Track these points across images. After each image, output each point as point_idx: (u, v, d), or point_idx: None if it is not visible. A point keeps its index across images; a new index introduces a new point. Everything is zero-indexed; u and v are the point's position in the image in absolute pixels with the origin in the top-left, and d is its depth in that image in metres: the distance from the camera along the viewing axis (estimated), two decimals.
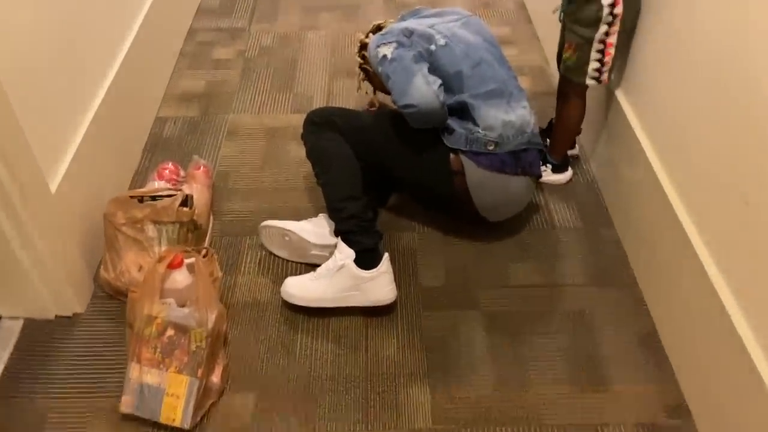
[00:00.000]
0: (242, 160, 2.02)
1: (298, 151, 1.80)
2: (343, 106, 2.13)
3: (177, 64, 2.41)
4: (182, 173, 1.86)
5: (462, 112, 1.64)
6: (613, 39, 1.62)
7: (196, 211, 1.67)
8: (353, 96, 2.26)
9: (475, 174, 1.62)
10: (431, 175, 1.67)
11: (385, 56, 1.62)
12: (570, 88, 1.78)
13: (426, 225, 1.82)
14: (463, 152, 1.62)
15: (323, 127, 1.69)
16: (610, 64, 1.67)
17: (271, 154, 2.05)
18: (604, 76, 1.69)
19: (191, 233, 1.65)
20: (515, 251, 1.75)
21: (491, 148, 1.60)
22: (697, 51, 1.39)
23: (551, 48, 2.03)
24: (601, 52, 1.64)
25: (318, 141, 1.69)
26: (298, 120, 1.86)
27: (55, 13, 1.55)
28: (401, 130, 1.64)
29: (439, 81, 1.58)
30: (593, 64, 1.66)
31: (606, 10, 1.57)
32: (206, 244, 1.73)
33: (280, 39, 2.57)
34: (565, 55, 1.70)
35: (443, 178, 1.65)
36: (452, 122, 1.64)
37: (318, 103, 2.26)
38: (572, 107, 1.81)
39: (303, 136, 1.74)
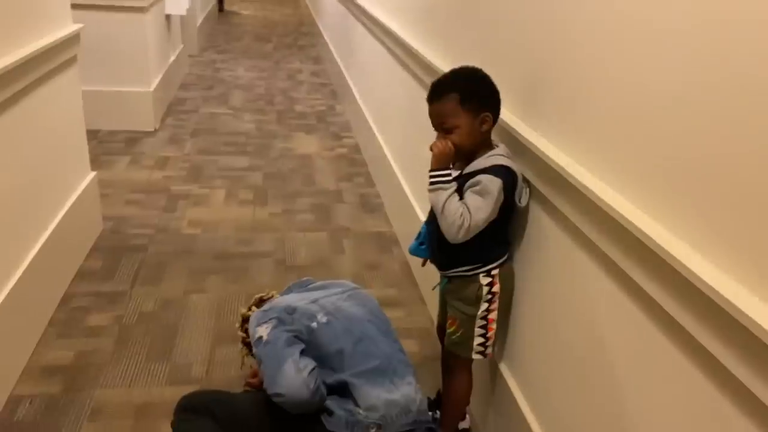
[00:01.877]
0: None
1: (169, 431, 1.63)
2: (223, 384, 2.02)
3: (44, 334, 2.24)
4: None
5: (343, 391, 1.57)
6: (494, 315, 1.66)
7: None
8: (236, 364, 2.15)
9: None
10: None
11: (261, 338, 1.57)
12: (456, 362, 1.76)
13: None
14: (351, 431, 1.51)
15: (196, 415, 1.56)
16: (493, 339, 1.69)
17: None
18: (489, 350, 1.70)
19: None
20: None
21: (373, 430, 1.51)
22: (567, 331, 1.44)
23: (437, 311, 2.06)
24: (484, 327, 1.67)
25: (190, 429, 1.54)
26: (173, 393, 1.72)
27: None
28: (279, 415, 1.53)
29: (311, 366, 1.53)
30: (477, 339, 1.68)
31: (485, 289, 1.63)
32: None
33: (163, 303, 2.49)
34: (450, 330, 1.71)
35: None
36: (332, 403, 1.55)
37: (197, 372, 2.12)
38: (459, 381, 1.78)
39: (173, 425, 1.59)
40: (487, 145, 1.61)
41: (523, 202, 1.59)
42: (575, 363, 1.40)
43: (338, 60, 5.71)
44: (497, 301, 1.65)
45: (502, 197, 1.53)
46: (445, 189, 1.55)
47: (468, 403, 1.86)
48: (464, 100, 1.55)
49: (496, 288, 1.64)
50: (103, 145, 4.07)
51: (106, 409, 1.93)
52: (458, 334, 1.69)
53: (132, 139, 4.21)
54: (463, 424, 1.90)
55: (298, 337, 1.58)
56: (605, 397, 1.27)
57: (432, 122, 1.62)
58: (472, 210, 1.51)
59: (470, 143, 1.58)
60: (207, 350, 2.24)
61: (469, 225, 1.50)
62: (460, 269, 1.65)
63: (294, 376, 1.48)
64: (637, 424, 1.17)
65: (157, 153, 4.03)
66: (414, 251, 1.82)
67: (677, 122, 1.05)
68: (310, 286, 1.86)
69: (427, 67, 2.36)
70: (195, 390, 1.69)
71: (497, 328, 1.68)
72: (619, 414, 1.22)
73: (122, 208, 3.25)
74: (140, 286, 2.59)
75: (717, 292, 0.92)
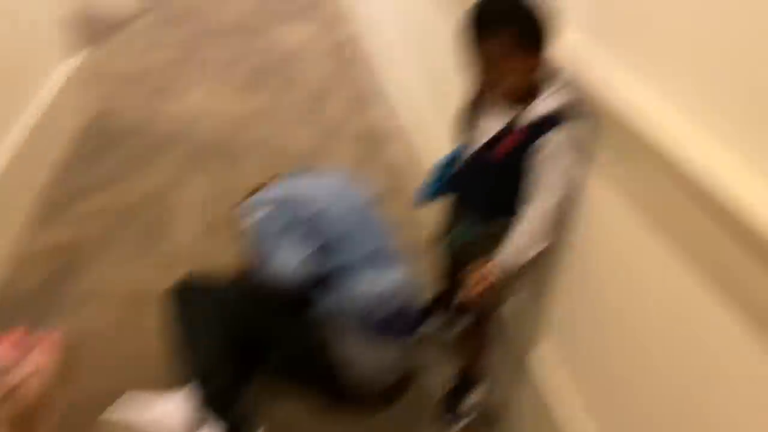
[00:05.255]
0: (98, 328, 1.82)
1: (162, 316, 1.64)
2: (214, 271, 2.01)
3: (34, 217, 2.22)
4: (23, 345, 1.63)
5: (335, 277, 1.57)
6: None
7: (29, 396, 1.43)
8: (229, 252, 2.15)
9: (349, 342, 1.53)
10: (303, 347, 1.56)
11: (255, 223, 1.55)
12: (484, 315, 1.57)
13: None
14: (336, 319, 1.54)
15: (190, 297, 1.57)
16: None
17: (131, 320, 1.86)
18: None
19: (26, 423, 1.40)
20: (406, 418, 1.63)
21: (364, 315, 1.53)
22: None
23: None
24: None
25: (183, 312, 1.56)
26: (165, 281, 1.72)
27: None
28: (271, 299, 1.54)
29: (306, 251, 1.52)
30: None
31: None
32: None
33: (154, 190, 2.45)
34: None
35: (316, 350, 1.55)
36: (323, 288, 1.56)
37: (189, 258, 2.12)
38: (482, 334, 1.63)
39: (168, 307, 1.60)
40: (542, 82, 1.29)
41: None
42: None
43: None
44: None
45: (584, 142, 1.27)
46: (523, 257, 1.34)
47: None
48: (523, 36, 1.23)
49: None
50: (84, 29, 3.88)
51: (100, 293, 1.95)
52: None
53: (114, 24, 4.02)
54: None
55: (292, 224, 1.56)
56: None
57: (479, 59, 1.29)
58: (558, 184, 1.28)
59: (523, 85, 1.29)
60: (199, 237, 2.23)
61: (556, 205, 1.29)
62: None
63: (289, 261, 1.48)
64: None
65: (142, 39, 3.86)
66: (430, 195, 1.61)
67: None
68: (304, 175, 1.82)
69: None
70: (188, 274, 1.69)
71: None
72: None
73: (107, 95, 3.15)
74: (130, 173, 2.54)
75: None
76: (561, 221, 1.34)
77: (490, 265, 1.35)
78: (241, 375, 1.57)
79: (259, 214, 1.58)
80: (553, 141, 1.26)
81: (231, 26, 4.27)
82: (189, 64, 3.64)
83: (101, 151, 2.68)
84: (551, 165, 1.27)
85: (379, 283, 1.57)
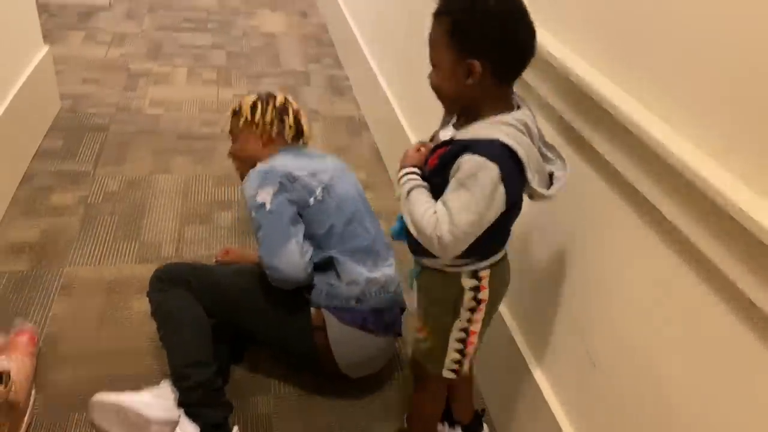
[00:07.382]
0: (76, 320, 1.82)
1: (142, 306, 1.65)
2: (194, 261, 2.02)
3: (8, 212, 2.19)
4: (1, 341, 1.63)
5: (326, 266, 1.59)
6: (477, 326, 1.23)
7: (14, 389, 1.45)
8: (205, 243, 2.17)
9: (336, 330, 1.56)
10: (291, 332, 1.59)
11: (263, 204, 1.54)
12: (423, 373, 1.35)
13: (284, 384, 1.70)
14: (325, 307, 1.56)
15: (171, 285, 1.58)
16: (472, 354, 1.29)
17: (110, 311, 1.86)
18: (465, 367, 1.29)
19: (5, 416, 1.42)
20: (378, 410, 1.66)
21: (353, 303, 1.55)
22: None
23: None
24: (463, 341, 1.25)
25: (164, 300, 1.57)
26: (143, 271, 1.73)
27: None
28: (259, 285, 1.56)
29: (311, 251, 1.55)
30: (452, 355, 1.26)
31: (468, 295, 1.20)
32: (24, 425, 1.49)
33: (128, 183, 2.44)
34: (418, 335, 1.31)
35: (303, 334, 1.57)
36: (315, 276, 1.58)
37: (166, 251, 2.13)
38: (424, 397, 1.42)
39: (148, 294, 1.61)
40: (499, 102, 1.10)
41: (550, 192, 1.10)
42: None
43: None
44: (483, 309, 1.22)
45: (501, 190, 1.04)
46: (404, 187, 1.14)
47: (437, 422, 1.49)
48: (454, 31, 1.05)
49: (483, 294, 1.20)
50: (55, 19, 3.82)
51: (77, 285, 1.94)
52: (428, 344, 1.29)
53: (85, 14, 3.96)
54: None
55: (297, 211, 1.56)
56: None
57: None
58: (454, 211, 1.04)
59: (451, 92, 1.10)
60: (175, 229, 2.23)
61: (448, 233, 1.05)
62: (436, 259, 1.19)
63: (297, 258, 1.50)
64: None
65: (114, 28, 3.81)
66: (397, 234, 1.29)
67: None
68: (306, 152, 1.80)
69: None
70: (171, 262, 1.69)
71: (478, 341, 1.27)
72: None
73: (80, 86, 3.11)
74: (103, 166, 2.52)
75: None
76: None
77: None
78: (226, 359, 1.60)
79: (267, 191, 1.55)
80: (467, 164, 1.03)
81: (206, 14, 4.22)
82: (164, 51, 3.60)
83: (76, 141, 2.65)
84: (457, 188, 1.05)
85: (374, 273, 1.59)
